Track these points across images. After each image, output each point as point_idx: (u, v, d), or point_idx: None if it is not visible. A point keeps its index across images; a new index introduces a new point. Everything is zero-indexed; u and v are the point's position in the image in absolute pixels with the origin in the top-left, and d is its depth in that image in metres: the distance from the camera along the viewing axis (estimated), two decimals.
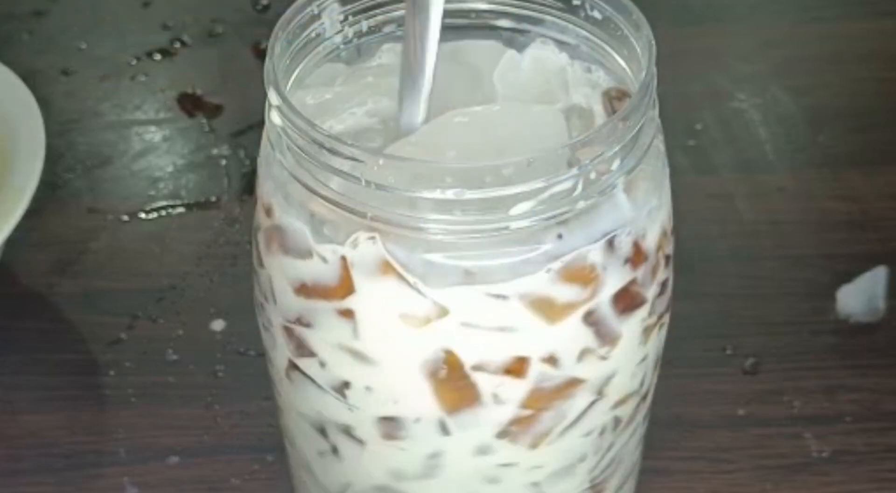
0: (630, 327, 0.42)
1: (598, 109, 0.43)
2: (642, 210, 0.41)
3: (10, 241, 0.58)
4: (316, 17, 0.43)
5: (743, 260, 0.64)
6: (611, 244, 0.40)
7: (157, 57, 0.76)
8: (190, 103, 0.73)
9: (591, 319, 0.41)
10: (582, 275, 0.40)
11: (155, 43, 0.77)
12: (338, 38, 0.44)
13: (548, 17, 0.44)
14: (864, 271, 0.62)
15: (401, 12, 0.44)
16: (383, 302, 0.40)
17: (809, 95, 0.73)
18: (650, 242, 0.42)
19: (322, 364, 0.43)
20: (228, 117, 0.72)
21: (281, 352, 0.44)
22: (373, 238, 0.39)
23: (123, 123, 0.72)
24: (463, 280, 0.40)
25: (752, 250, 0.64)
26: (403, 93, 0.41)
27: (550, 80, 0.44)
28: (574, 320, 0.41)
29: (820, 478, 0.55)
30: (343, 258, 0.40)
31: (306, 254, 0.41)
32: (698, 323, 0.60)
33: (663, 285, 0.44)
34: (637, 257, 0.41)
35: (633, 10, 0.42)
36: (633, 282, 0.42)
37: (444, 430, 0.43)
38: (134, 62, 0.76)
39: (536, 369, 0.41)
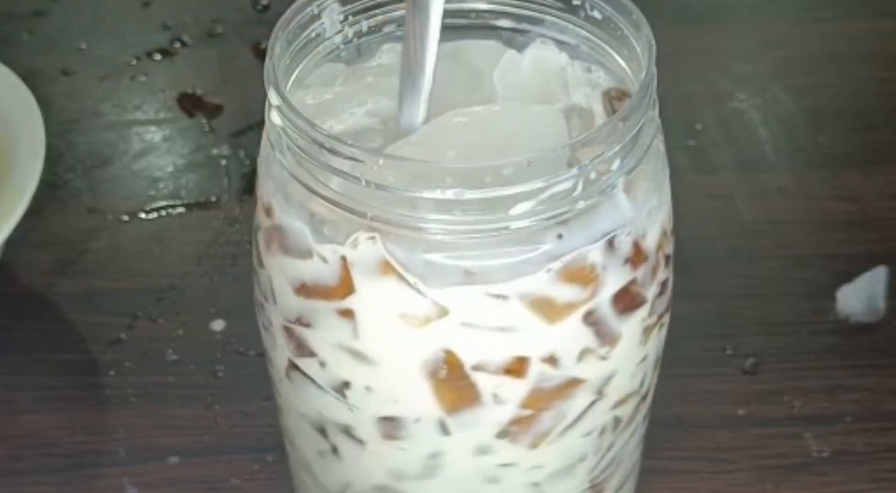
0: (630, 327, 0.42)
1: (598, 109, 0.43)
2: (642, 210, 0.41)
3: (10, 241, 0.58)
4: (316, 17, 0.43)
5: (743, 260, 0.64)
6: (611, 244, 0.40)
7: (157, 57, 0.76)
8: (190, 103, 0.73)
9: (591, 319, 0.41)
10: (582, 275, 0.40)
11: (155, 43, 0.77)
12: (338, 38, 0.44)
13: (548, 17, 0.44)
14: (864, 271, 0.62)
15: (401, 12, 0.44)
16: (383, 302, 0.40)
17: (809, 95, 0.73)
18: (650, 242, 0.42)
19: (322, 364, 0.43)
20: (228, 117, 0.72)
21: (281, 352, 0.44)
22: (373, 238, 0.39)
23: (123, 123, 0.72)
24: (463, 280, 0.40)
25: (752, 250, 0.64)
26: (403, 93, 0.41)
27: (550, 81, 0.44)
28: (574, 320, 0.41)
29: (820, 478, 0.55)
30: (343, 258, 0.40)
31: (306, 254, 0.41)
32: (698, 323, 0.60)
33: (663, 285, 0.44)
34: (637, 257, 0.41)
35: (633, 10, 0.42)
36: (633, 282, 0.42)
37: (444, 430, 0.43)
38: (134, 62, 0.76)
39: (536, 369, 0.41)
